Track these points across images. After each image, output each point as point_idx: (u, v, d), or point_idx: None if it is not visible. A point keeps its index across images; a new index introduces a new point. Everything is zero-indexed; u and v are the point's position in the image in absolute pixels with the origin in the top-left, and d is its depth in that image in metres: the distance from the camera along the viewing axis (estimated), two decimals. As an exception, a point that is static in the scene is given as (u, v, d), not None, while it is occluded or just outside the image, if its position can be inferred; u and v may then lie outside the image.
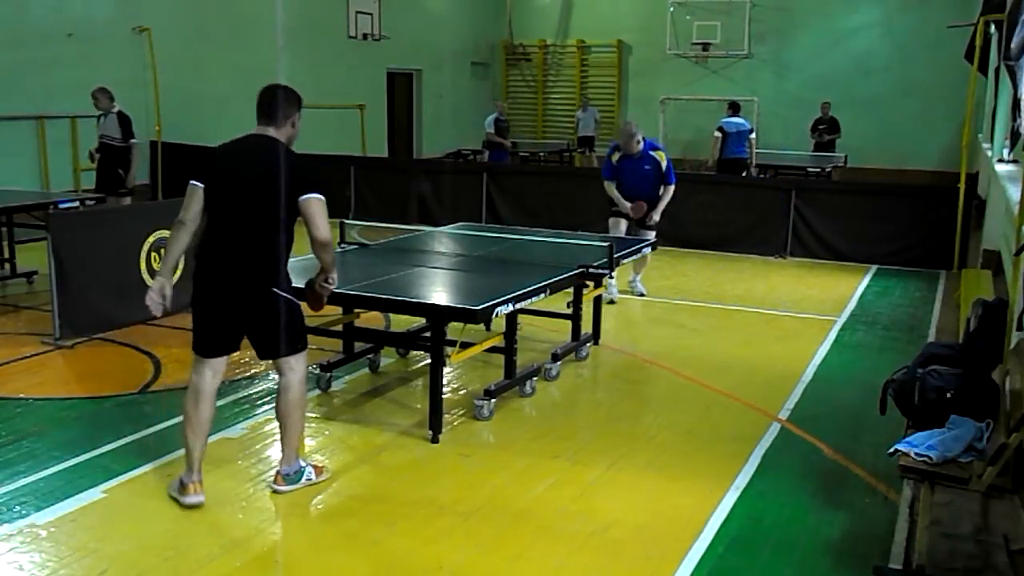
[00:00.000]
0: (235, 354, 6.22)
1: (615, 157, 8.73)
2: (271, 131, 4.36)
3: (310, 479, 4.61)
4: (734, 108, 14.70)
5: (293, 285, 4.45)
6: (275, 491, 4.55)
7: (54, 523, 4.16)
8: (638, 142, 8.55)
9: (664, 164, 8.61)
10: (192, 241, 4.42)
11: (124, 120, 10.41)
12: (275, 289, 4.31)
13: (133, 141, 10.53)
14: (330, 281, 4.53)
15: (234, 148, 4.44)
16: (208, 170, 4.39)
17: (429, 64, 20.38)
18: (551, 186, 12.57)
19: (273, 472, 4.67)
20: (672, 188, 8.66)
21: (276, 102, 4.38)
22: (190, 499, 4.34)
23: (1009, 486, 3.88)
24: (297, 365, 4.46)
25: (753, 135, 14.46)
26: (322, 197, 4.29)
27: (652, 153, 8.62)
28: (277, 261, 4.35)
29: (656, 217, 8.65)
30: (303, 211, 4.27)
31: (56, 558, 3.86)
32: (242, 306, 4.35)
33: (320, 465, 4.77)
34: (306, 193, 4.25)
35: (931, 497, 3.70)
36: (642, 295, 8.96)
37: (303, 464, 4.63)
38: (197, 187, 4.33)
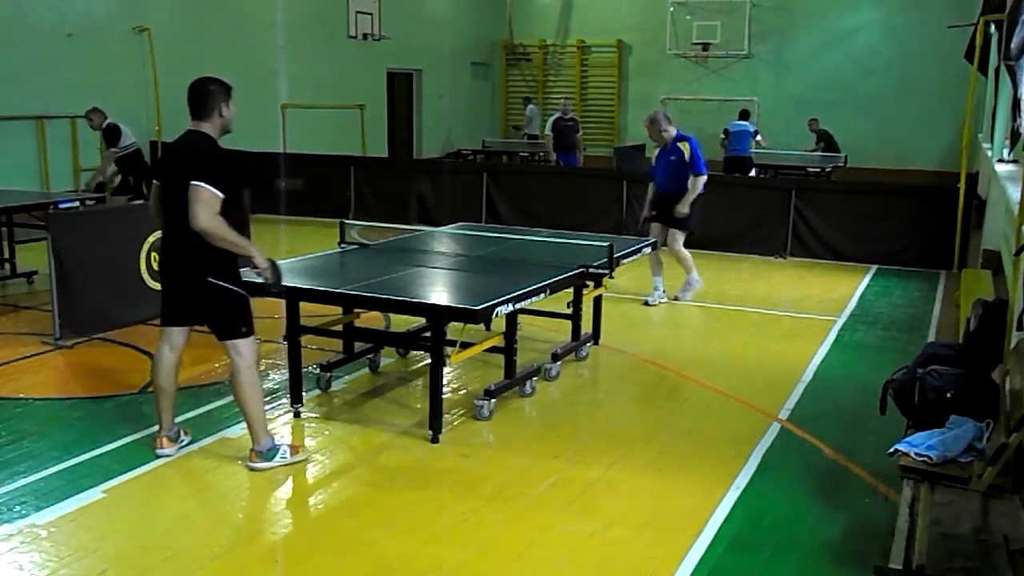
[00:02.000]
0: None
1: (655, 151, 8.87)
2: (202, 125, 4.60)
3: (284, 457, 4.78)
4: (742, 115, 15.93)
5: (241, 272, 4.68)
6: (250, 468, 4.72)
7: (54, 523, 4.16)
8: (662, 131, 8.57)
9: (688, 153, 8.52)
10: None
11: (106, 133, 10.73)
12: (209, 279, 4.53)
13: (110, 150, 10.82)
14: (254, 266, 4.59)
15: (169, 146, 4.81)
16: (157, 167, 4.86)
17: (429, 64, 20.39)
18: (551, 186, 12.57)
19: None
20: (701, 179, 8.52)
21: (199, 96, 4.60)
22: (161, 451, 4.84)
23: (1009, 486, 3.88)
24: (242, 349, 4.65)
25: (759, 137, 15.41)
26: (207, 187, 4.35)
27: (678, 144, 8.58)
28: (206, 251, 4.47)
29: (683, 210, 8.49)
30: (188, 198, 4.37)
31: (56, 558, 3.86)
32: (182, 292, 4.66)
33: (296, 444, 4.94)
34: (195, 179, 4.37)
35: (931, 497, 3.69)
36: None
37: (276, 443, 4.79)
38: (155, 184, 4.83)
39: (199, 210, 4.34)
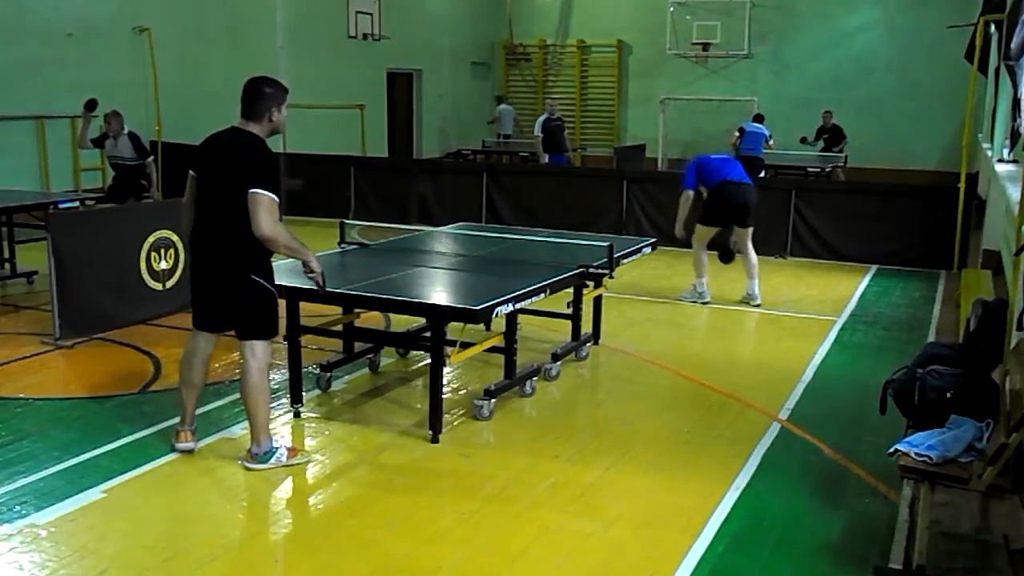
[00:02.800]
0: (236, 355, 6.26)
1: None
2: (249, 125, 4.55)
3: (280, 460, 4.77)
4: (757, 118, 15.96)
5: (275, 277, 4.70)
6: (245, 468, 4.73)
7: (54, 523, 4.16)
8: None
9: None
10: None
11: (136, 140, 10.48)
12: (251, 275, 4.52)
13: (150, 159, 10.60)
14: (308, 270, 4.65)
15: (213, 140, 4.67)
16: (195, 160, 4.67)
17: (429, 64, 20.38)
18: (551, 186, 12.56)
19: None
20: (682, 196, 8.73)
21: (253, 97, 4.54)
22: (180, 445, 4.86)
23: (1009, 486, 3.87)
24: (259, 351, 4.64)
25: (771, 142, 15.36)
26: (268, 194, 4.38)
27: None
28: (249, 249, 4.47)
29: (676, 231, 8.86)
30: (248, 204, 4.35)
31: (56, 558, 3.86)
32: (217, 292, 4.62)
33: (294, 447, 4.93)
34: (253, 188, 4.36)
35: (931, 497, 3.70)
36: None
37: (274, 445, 4.78)
38: (191, 175, 4.68)
39: (263, 218, 4.34)
